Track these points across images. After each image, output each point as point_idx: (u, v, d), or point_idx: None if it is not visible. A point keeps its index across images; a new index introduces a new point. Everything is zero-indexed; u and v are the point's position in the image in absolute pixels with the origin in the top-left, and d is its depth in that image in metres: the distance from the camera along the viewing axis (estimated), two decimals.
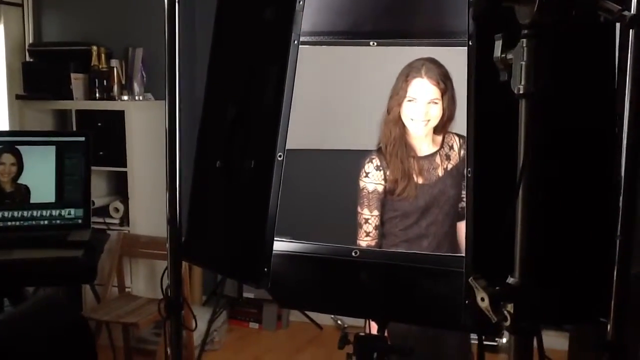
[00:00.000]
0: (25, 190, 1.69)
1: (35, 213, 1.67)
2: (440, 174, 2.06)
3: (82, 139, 1.73)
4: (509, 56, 0.87)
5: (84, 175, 1.71)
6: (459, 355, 2.27)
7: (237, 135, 1.44)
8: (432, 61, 1.97)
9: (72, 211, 1.69)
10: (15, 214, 1.66)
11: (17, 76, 3.91)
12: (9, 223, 1.66)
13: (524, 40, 0.84)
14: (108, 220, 3.72)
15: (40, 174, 1.69)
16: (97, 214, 3.72)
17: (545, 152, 0.86)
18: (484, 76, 1.10)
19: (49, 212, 1.68)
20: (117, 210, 3.71)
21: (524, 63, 0.84)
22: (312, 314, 3.87)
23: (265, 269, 1.36)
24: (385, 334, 1.95)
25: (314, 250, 1.40)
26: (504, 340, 3.42)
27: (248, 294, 3.94)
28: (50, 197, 1.69)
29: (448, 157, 2.05)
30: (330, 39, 1.49)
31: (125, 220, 3.72)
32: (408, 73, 1.99)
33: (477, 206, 1.15)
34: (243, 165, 1.41)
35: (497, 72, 1.04)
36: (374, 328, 1.61)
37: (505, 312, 0.75)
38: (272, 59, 1.36)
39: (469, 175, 1.19)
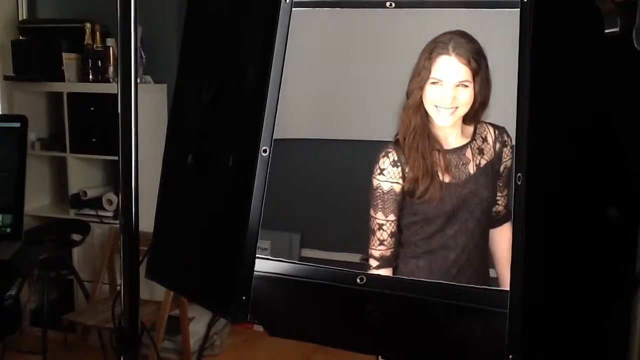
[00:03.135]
0: None
1: None
2: (471, 171, 1.75)
3: (17, 124, 1.39)
4: None
5: (17, 170, 1.38)
6: None
7: (212, 124, 1.12)
8: (463, 35, 1.66)
9: (0, 217, 1.37)
10: None
11: (8, 55, 3.64)
12: None
13: None
14: (101, 213, 3.45)
15: None
16: (90, 206, 3.46)
17: None
18: (547, 42, 0.76)
19: None
20: (110, 202, 3.44)
21: None
22: None
23: (244, 298, 1.05)
24: None
25: (308, 274, 1.08)
26: None
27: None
28: None
29: (481, 151, 1.75)
30: None
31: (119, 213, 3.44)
32: (432, 49, 1.69)
33: (530, 225, 0.82)
34: (219, 162, 1.09)
35: (565, 35, 0.71)
36: None
37: None
38: (256, 23, 1.04)
39: (519, 182, 0.86)
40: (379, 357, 1.33)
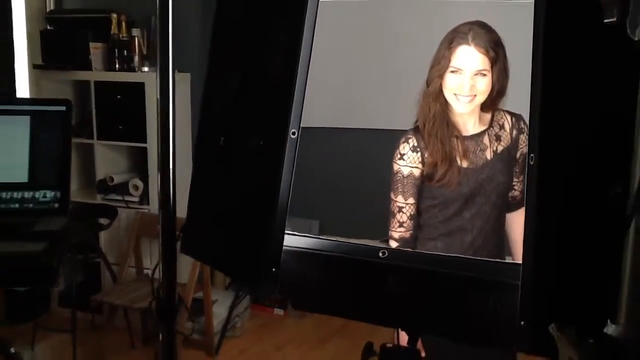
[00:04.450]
0: None
1: (4, 195, 1.45)
2: (488, 157, 1.79)
3: (62, 108, 1.48)
4: None
5: (64, 151, 1.47)
6: None
7: (243, 108, 1.19)
8: (482, 25, 1.70)
9: (48, 194, 1.46)
10: None
11: (37, 45, 3.74)
12: None
13: None
14: (127, 198, 3.54)
15: (11, 148, 1.45)
16: (116, 191, 3.56)
17: None
18: (559, 30, 0.82)
19: (20, 194, 1.44)
20: (136, 187, 3.53)
21: None
22: None
23: (274, 269, 1.12)
24: (419, 345, 1.71)
25: (333, 249, 1.15)
26: None
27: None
28: (22, 177, 1.45)
29: (498, 138, 1.78)
30: None
31: (145, 198, 3.54)
32: (452, 39, 1.73)
33: (543, 205, 0.88)
34: (250, 143, 1.17)
35: (576, 23, 0.77)
36: (403, 338, 1.37)
37: None
38: (286, 13, 1.11)
39: (532, 162, 0.92)
40: (398, 329, 1.40)
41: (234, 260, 1.19)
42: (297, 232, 1.19)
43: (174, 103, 1.23)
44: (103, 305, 3.29)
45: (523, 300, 0.96)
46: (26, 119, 1.43)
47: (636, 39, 0.53)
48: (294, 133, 1.13)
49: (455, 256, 1.23)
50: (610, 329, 0.54)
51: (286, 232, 1.15)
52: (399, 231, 1.84)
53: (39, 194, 1.43)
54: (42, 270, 1.29)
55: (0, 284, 1.37)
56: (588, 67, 0.77)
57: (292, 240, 1.18)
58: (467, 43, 1.67)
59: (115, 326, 3.35)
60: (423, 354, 1.61)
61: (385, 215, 1.83)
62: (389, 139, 1.92)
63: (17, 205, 1.44)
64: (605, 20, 0.55)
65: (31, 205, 1.44)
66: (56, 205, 1.46)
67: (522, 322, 0.95)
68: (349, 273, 1.19)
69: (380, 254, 1.15)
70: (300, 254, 1.18)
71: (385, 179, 1.88)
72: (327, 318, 3.74)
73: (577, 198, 0.88)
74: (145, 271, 3.43)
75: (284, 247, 1.14)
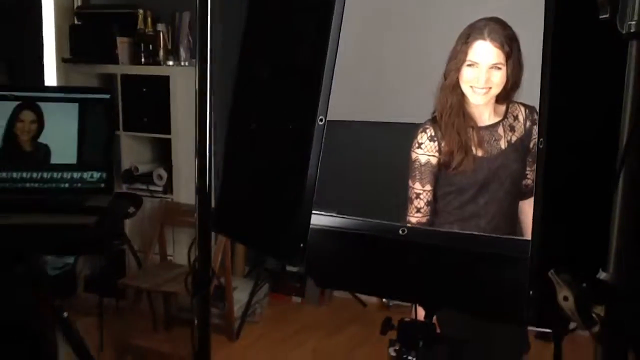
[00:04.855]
0: (46, 150, 1.59)
1: (55, 175, 1.57)
2: (502, 147, 1.87)
3: (107, 96, 1.61)
4: None
5: (108, 135, 1.60)
6: (513, 348, 2.09)
7: (274, 95, 1.29)
8: (497, 21, 1.77)
9: (95, 174, 1.58)
10: (35, 175, 1.56)
11: (65, 39, 3.87)
12: (27, 185, 1.56)
13: None
14: (152, 187, 3.67)
15: (61, 133, 1.58)
16: (141, 181, 3.69)
17: None
18: (566, 18, 0.91)
19: (69, 174, 1.58)
20: (160, 177, 3.66)
21: None
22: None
23: (301, 245, 1.22)
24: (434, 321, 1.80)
25: (356, 227, 1.25)
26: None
27: (291, 268, 3.83)
28: (72, 159, 1.58)
29: (512, 129, 1.86)
30: None
31: (168, 187, 3.66)
32: (469, 34, 1.80)
33: (549, 182, 0.97)
34: (280, 128, 1.26)
35: (583, 12, 0.85)
36: (421, 313, 1.46)
37: (594, 314, 0.59)
38: (315, 7, 1.20)
39: (541, 146, 1.01)
40: (415, 305, 1.49)
41: (263, 237, 1.29)
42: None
43: (210, 94, 1.32)
44: (128, 289, 3.41)
45: (532, 272, 1.05)
46: (75, 106, 1.56)
47: (624, 32, 0.61)
48: (321, 120, 1.22)
49: (470, 233, 1.32)
50: (601, 275, 0.63)
51: (313, 212, 1.24)
52: (416, 216, 1.93)
53: (86, 175, 1.56)
54: (95, 240, 1.42)
55: (56, 252, 1.49)
56: (589, 58, 0.86)
57: (317, 219, 1.27)
58: (483, 38, 1.75)
59: (139, 310, 3.47)
60: (438, 331, 1.71)
61: (401, 204, 1.90)
62: (404, 132, 2.01)
63: (67, 185, 1.56)
64: (600, 17, 0.64)
65: (79, 184, 1.57)
66: (102, 185, 1.59)
67: (531, 292, 1.04)
68: (370, 250, 1.28)
69: (400, 232, 1.25)
70: (323, 232, 1.28)
71: (399, 170, 1.97)
72: (343, 306, 3.85)
73: (580, 175, 0.97)
74: (169, 258, 3.55)
75: (311, 226, 1.24)
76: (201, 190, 1.30)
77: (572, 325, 0.71)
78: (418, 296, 1.34)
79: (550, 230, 1.01)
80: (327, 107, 1.24)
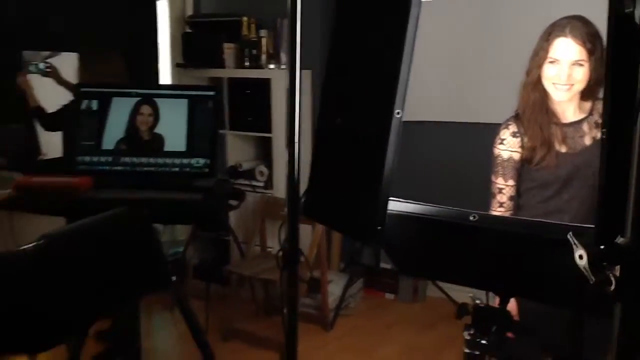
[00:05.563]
0: (160, 139, 1.86)
1: (167, 160, 1.84)
2: (587, 143, 1.88)
3: (212, 93, 1.87)
4: None
5: (213, 127, 1.84)
6: (602, 344, 2.08)
7: (356, 92, 1.42)
8: (580, 19, 1.80)
9: (200, 160, 1.83)
10: (151, 160, 1.85)
11: (178, 46, 4.21)
12: (145, 168, 1.85)
13: None
14: (254, 183, 3.91)
15: (173, 124, 1.84)
16: (244, 176, 3.95)
17: None
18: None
19: (179, 160, 1.84)
20: (262, 173, 3.89)
21: None
22: (450, 291, 3.78)
23: (379, 227, 1.34)
24: (510, 307, 1.84)
25: (429, 212, 1.34)
26: None
27: (385, 265, 3.93)
28: (182, 147, 1.84)
29: (597, 125, 1.86)
30: None
31: (269, 183, 3.89)
32: (551, 32, 1.84)
33: (610, 173, 1.03)
34: (362, 122, 1.39)
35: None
36: (497, 300, 1.53)
37: (611, 275, 0.66)
38: (392, 11, 1.32)
39: (604, 137, 1.07)
40: (488, 292, 1.55)
41: (346, 219, 1.42)
42: None
43: (300, 97, 1.47)
44: (232, 276, 3.66)
45: (595, 257, 1.10)
46: (185, 102, 1.82)
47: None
48: (398, 113, 1.34)
49: (540, 220, 1.37)
50: (619, 240, 0.70)
51: (390, 198, 1.36)
52: (499, 211, 1.98)
53: (194, 161, 1.81)
54: (202, 212, 1.68)
55: (170, 221, 1.77)
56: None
57: (394, 205, 1.39)
58: (565, 35, 1.78)
59: (241, 297, 3.72)
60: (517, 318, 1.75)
61: (473, 196, 1.93)
62: (481, 132, 2.06)
63: (177, 169, 1.82)
64: (626, 10, 0.70)
65: (188, 169, 1.82)
66: (206, 170, 1.84)
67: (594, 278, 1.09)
68: (442, 236, 1.37)
69: (471, 218, 1.33)
70: (401, 217, 1.39)
71: (479, 173, 2.02)
72: (436, 305, 3.89)
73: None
74: (268, 249, 3.77)
75: (389, 211, 1.35)
76: (290, 177, 1.46)
77: None
78: (489, 283, 1.41)
79: (610, 217, 1.06)
80: (404, 102, 1.35)
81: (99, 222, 0.71)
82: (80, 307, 0.60)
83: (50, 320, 0.56)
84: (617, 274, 0.67)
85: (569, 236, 0.73)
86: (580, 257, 0.69)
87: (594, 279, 0.68)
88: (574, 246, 0.71)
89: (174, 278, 1.35)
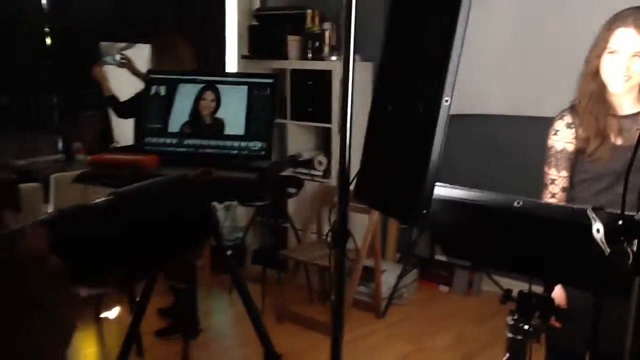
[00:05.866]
0: (221, 123, 1.97)
1: (227, 143, 1.95)
2: None
3: (270, 80, 1.97)
4: None
5: (270, 113, 1.94)
6: None
7: (408, 81, 1.47)
8: None
9: (257, 144, 1.93)
10: (212, 142, 1.97)
11: (244, 37, 4.34)
12: (207, 150, 1.97)
13: None
14: (313, 172, 4.00)
15: (233, 110, 1.95)
16: (304, 165, 4.04)
17: None
18: None
19: (238, 143, 1.95)
20: (320, 163, 3.97)
21: None
22: (506, 285, 3.75)
23: (424, 211, 1.39)
24: (559, 295, 1.85)
25: (474, 198, 1.38)
26: None
27: (440, 257, 3.95)
28: (240, 130, 1.95)
29: None
30: None
31: (327, 173, 3.97)
32: (613, 22, 1.81)
33: None
34: (412, 109, 1.44)
35: None
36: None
37: (629, 249, 0.69)
38: (444, 9, 1.36)
39: None
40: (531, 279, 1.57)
41: (394, 203, 1.48)
42: None
43: (353, 88, 1.53)
44: (288, 261, 3.77)
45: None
46: (244, 88, 1.92)
47: None
48: (446, 100, 1.38)
49: (582, 207, 1.37)
50: (637, 216, 0.73)
51: (437, 184, 1.40)
52: (550, 201, 1.98)
53: (251, 144, 1.91)
54: (257, 190, 1.79)
55: (228, 198, 1.90)
56: None
57: (442, 191, 1.43)
58: (626, 25, 1.75)
59: (296, 283, 3.82)
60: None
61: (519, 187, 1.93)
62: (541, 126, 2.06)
63: (236, 152, 1.93)
64: None
65: (245, 152, 1.93)
66: (262, 152, 1.94)
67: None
68: (487, 221, 1.41)
69: (515, 204, 1.36)
70: (447, 202, 1.43)
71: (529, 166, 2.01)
72: (490, 299, 3.87)
73: None
74: (324, 236, 3.85)
75: (435, 197, 1.40)
76: (341, 161, 1.52)
77: None
78: (532, 269, 1.43)
79: None
80: (453, 89, 1.39)
81: (161, 182, 0.81)
82: (147, 251, 0.70)
83: (123, 258, 0.67)
84: (635, 248, 0.70)
85: (588, 211, 0.76)
86: (598, 230, 0.73)
87: (609, 250, 0.71)
88: (592, 220, 0.74)
89: (229, 252, 1.43)
